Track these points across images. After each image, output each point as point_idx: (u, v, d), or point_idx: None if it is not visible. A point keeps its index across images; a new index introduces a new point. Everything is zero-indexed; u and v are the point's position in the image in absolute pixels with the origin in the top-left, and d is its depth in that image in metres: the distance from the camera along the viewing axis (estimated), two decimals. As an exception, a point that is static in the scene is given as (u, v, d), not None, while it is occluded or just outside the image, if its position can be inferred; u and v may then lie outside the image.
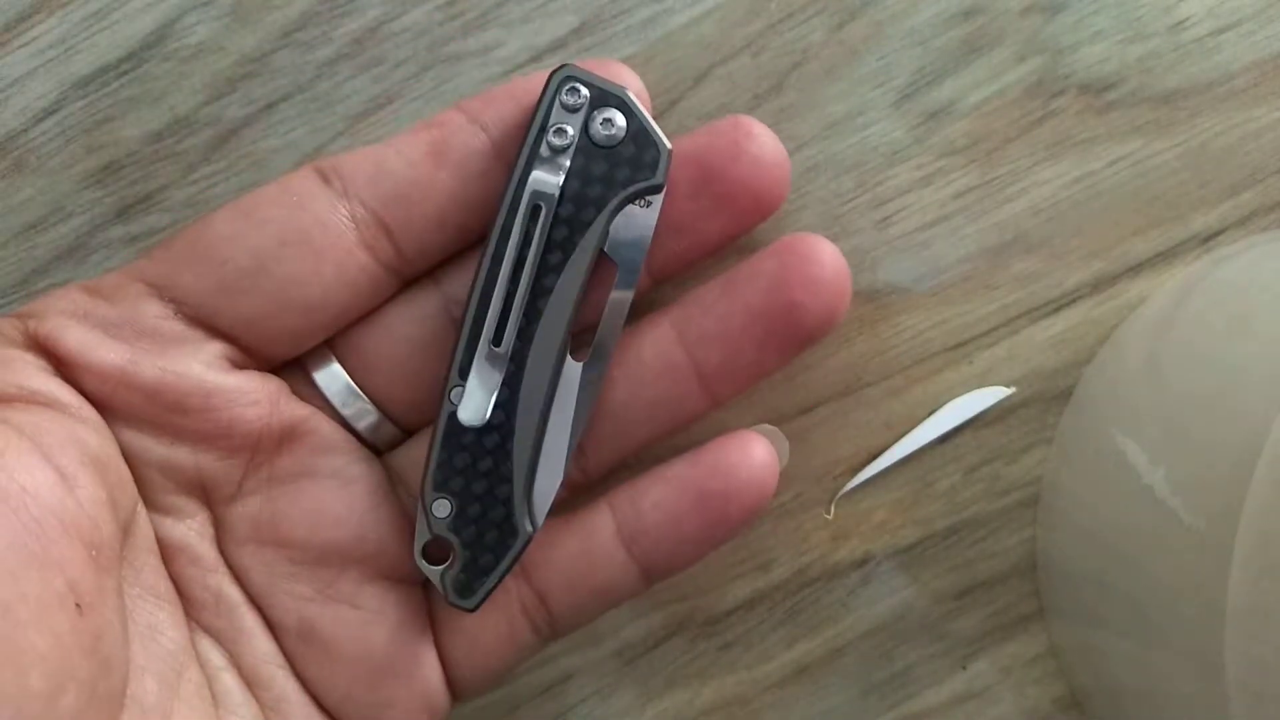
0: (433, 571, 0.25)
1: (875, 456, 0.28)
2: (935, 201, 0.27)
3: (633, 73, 0.25)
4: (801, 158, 0.27)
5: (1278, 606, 0.19)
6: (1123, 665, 0.25)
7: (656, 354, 0.25)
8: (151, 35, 0.27)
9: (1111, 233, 0.27)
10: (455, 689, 0.26)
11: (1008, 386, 0.28)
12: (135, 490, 0.24)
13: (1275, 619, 0.19)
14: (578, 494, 0.26)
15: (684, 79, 0.27)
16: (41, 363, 0.23)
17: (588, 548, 0.26)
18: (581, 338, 0.25)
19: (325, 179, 0.24)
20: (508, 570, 0.25)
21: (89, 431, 0.23)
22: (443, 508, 0.25)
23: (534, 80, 0.24)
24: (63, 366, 0.23)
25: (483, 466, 0.25)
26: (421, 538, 0.25)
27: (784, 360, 0.25)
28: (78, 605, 0.20)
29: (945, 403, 0.28)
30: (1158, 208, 0.27)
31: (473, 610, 0.25)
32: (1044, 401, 0.28)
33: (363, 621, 0.25)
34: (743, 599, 0.28)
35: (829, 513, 0.28)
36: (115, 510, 0.23)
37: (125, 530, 0.23)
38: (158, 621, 0.24)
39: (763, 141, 0.24)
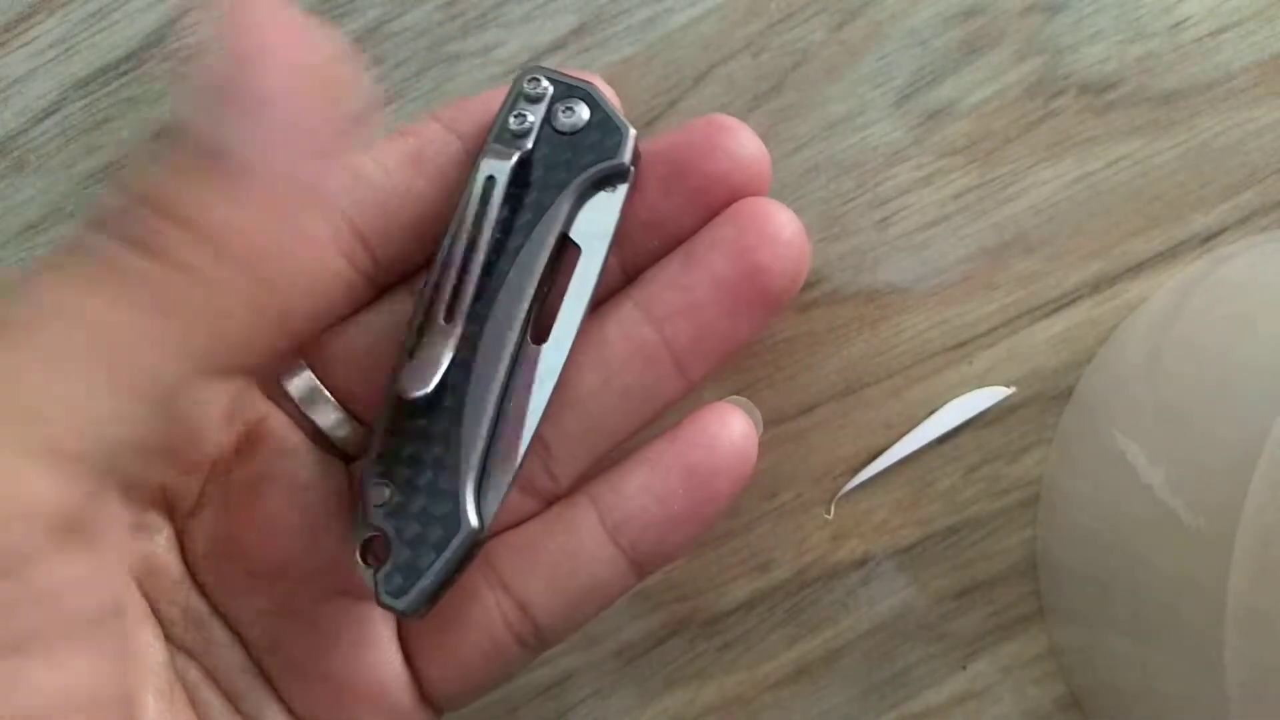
0: (366, 571, 0.23)
1: (875, 456, 0.28)
2: (935, 201, 0.27)
3: (606, 85, 0.25)
4: (801, 158, 0.27)
5: (1277, 606, 0.19)
6: (1123, 665, 0.25)
7: (623, 336, 0.24)
8: (151, 36, 0.27)
9: (1111, 233, 0.27)
10: (437, 704, 0.25)
11: (1008, 386, 0.28)
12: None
13: (1275, 618, 0.19)
14: (552, 503, 0.25)
15: (684, 79, 0.27)
16: None
17: (569, 545, 0.24)
18: (544, 324, 0.24)
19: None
20: (452, 571, 0.23)
21: None
22: (380, 495, 0.23)
23: (496, 93, 0.24)
24: None
25: (429, 455, 0.23)
26: (360, 533, 0.23)
27: (754, 329, 0.24)
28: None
29: (945, 403, 0.28)
30: (1157, 208, 0.27)
31: (409, 615, 0.22)
32: (1044, 401, 0.28)
33: (322, 640, 0.24)
34: (742, 599, 0.28)
35: (829, 513, 0.28)
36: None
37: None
38: (146, 639, 0.23)
39: (738, 136, 0.24)
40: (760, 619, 0.28)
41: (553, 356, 0.23)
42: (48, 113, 0.27)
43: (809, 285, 0.27)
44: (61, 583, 0.18)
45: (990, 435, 0.28)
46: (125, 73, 0.27)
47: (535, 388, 0.23)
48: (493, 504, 0.23)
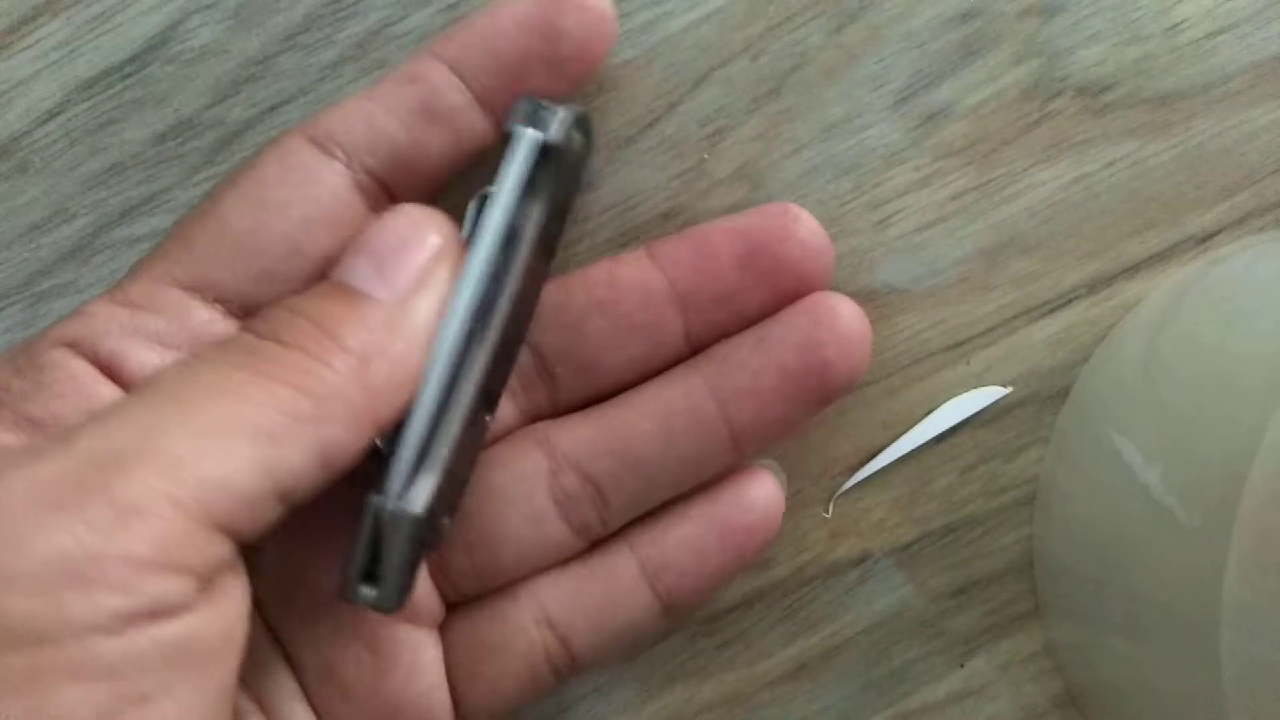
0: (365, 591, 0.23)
1: (873, 456, 0.28)
2: (933, 203, 0.27)
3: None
4: (800, 160, 0.27)
5: (1273, 604, 0.19)
6: (1119, 663, 0.25)
7: (690, 409, 0.25)
8: (155, 38, 0.27)
9: (1108, 234, 0.27)
10: None
11: (1004, 386, 0.28)
12: None
13: (1271, 616, 0.19)
14: (597, 545, 0.26)
15: (683, 82, 0.27)
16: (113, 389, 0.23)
17: (611, 589, 0.26)
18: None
19: (323, 147, 0.24)
20: (405, 560, 0.23)
21: None
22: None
23: (498, 17, 0.24)
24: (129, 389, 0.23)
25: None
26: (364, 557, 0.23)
27: (808, 417, 0.26)
28: None
29: (943, 402, 0.28)
30: (1154, 209, 0.27)
31: (388, 609, 0.23)
32: (1041, 401, 0.28)
33: (378, 666, 0.25)
34: (741, 597, 0.29)
35: (827, 511, 0.28)
36: None
37: None
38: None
39: (809, 226, 0.25)
40: (759, 616, 0.28)
41: (479, 336, 0.24)
42: (51, 115, 0.27)
43: (808, 286, 0.27)
44: (196, 634, 0.20)
45: (987, 434, 0.28)
46: (129, 75, 0.27)
47: (462, 371, 0.24)
48: (419, 490, 0.23)
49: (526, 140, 0.24)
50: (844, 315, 0.25)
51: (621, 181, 0.27)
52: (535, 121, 0.24)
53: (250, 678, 0.24)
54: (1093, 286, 0.28)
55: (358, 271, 0.23)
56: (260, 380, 0.21)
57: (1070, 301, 0.28)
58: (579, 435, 0.26)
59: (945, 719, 0.29)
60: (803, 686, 0.29)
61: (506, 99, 0.24)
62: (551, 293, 0.26)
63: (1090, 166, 0.27)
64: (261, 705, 0.25)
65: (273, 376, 0.21)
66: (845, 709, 0.29)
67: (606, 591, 0.26)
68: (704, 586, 0.26)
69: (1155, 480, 0.23)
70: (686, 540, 0.26)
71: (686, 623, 0.29)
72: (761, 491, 0.26)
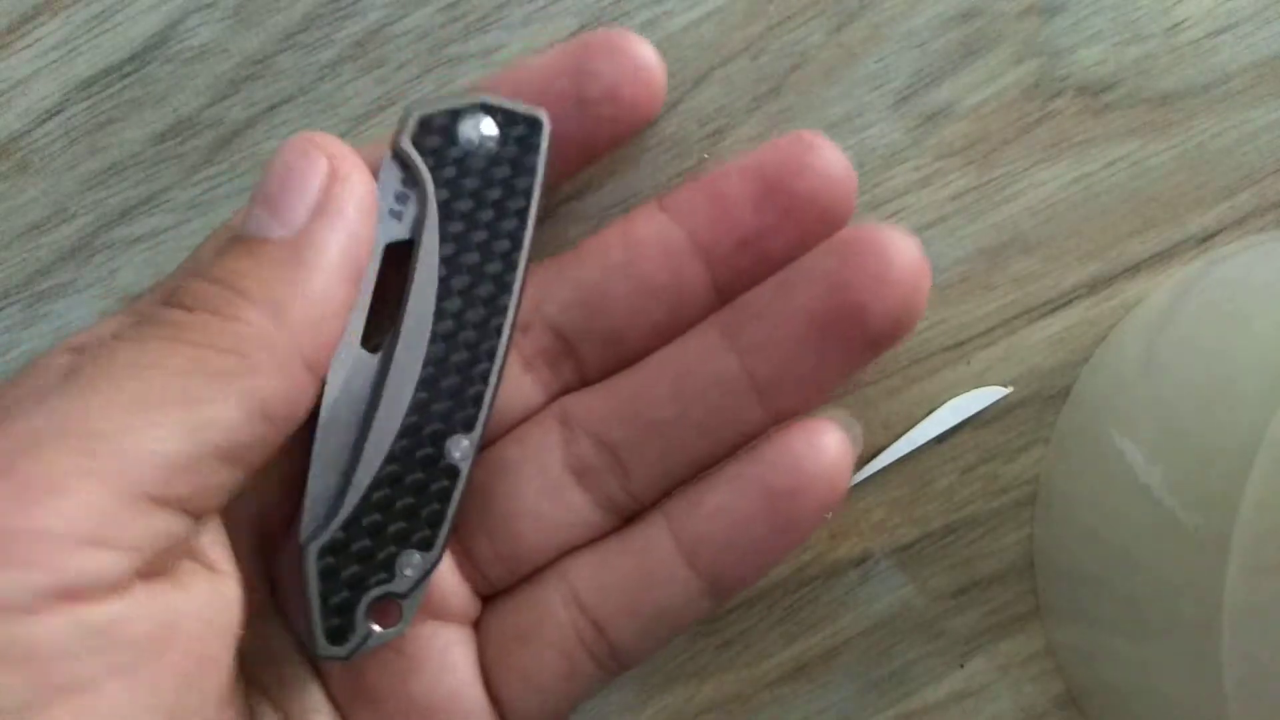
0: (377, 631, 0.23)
1: (874, 456, 0.28)
2: (933, 203, 0.27)
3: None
4: (801, 159, 0.27)
5: (1274, 604, 0.19)
6: (1120, 663, 0.25)
7: (705, 364, 0.23)
8: (154, 37, 0.27)
9: (1108, 234, 0.27)
10: None
11: (1005, 386, 0.28)
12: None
13: (1272, 617, 0.19)
14: (630, 521, 0.25)
15: (683, 81, 0.27)
16: None
17: (645, 565, 0.24)
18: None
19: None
20: (317, 599, 0.23)
21: None
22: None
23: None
24: None
25: None
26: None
27: (849, 370, 0.23)
28: None
29: (943, 402, 0.28)
30: (1154, 209, 0.27)
31: (338, 658, 0.23)
32: (1041, 401, 0.28)
33: (407, 665, 0.24)
34: (741, 597, 0.28)
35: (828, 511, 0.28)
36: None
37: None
38: (216, 676, 0.22)
39: (826, 154, 0.23)
40: (759, 617, 0.28)
41: (396, 359, 0.23)
42: (51, 114, 0.27)
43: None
44: (132, 619, 0.19)
45: (988, 435, 0.28)
46: (128, 74, 0.27)
47: (373, 400, 0.23)
48: (311, 515, 0.23)
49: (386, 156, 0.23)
50: (881, 249, 0.22)
51: (621, 181, 0.27)
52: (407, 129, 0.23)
53: (273, 687, 0.24)
54: (1093, 286, 0.28)
55: (253, 219, 0.21)
56: (175, 346, 0.20)
57: (1071, 301, 0.28)
58: (593, 402, 0.25)
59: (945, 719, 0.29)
60: (803, 687, 0.29)
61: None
62: (565, 264, 0.25)
63: (1091, 166, 0.27)
64: (287, 716, 0.24)
65: (187, 341, 0.20)
66: (846, 710, 0.28)
67: (640, 569, 0.24)
68: (749, 560, 0.23)
69: (1156, 480, 0.23)
70: (723, 508, 0.23)
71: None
72: (812, 447, 0.23)
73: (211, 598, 0.21)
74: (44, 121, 0.27)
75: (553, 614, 0.24)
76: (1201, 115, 0.27)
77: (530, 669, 0.24)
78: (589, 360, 0.25)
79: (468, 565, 0.25)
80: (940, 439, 0.28)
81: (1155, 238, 0.27)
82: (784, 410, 0.23)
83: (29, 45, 0.27)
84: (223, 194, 0.27)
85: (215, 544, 0.21)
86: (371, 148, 0.23)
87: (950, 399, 0.28)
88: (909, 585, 0.28)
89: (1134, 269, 0.28)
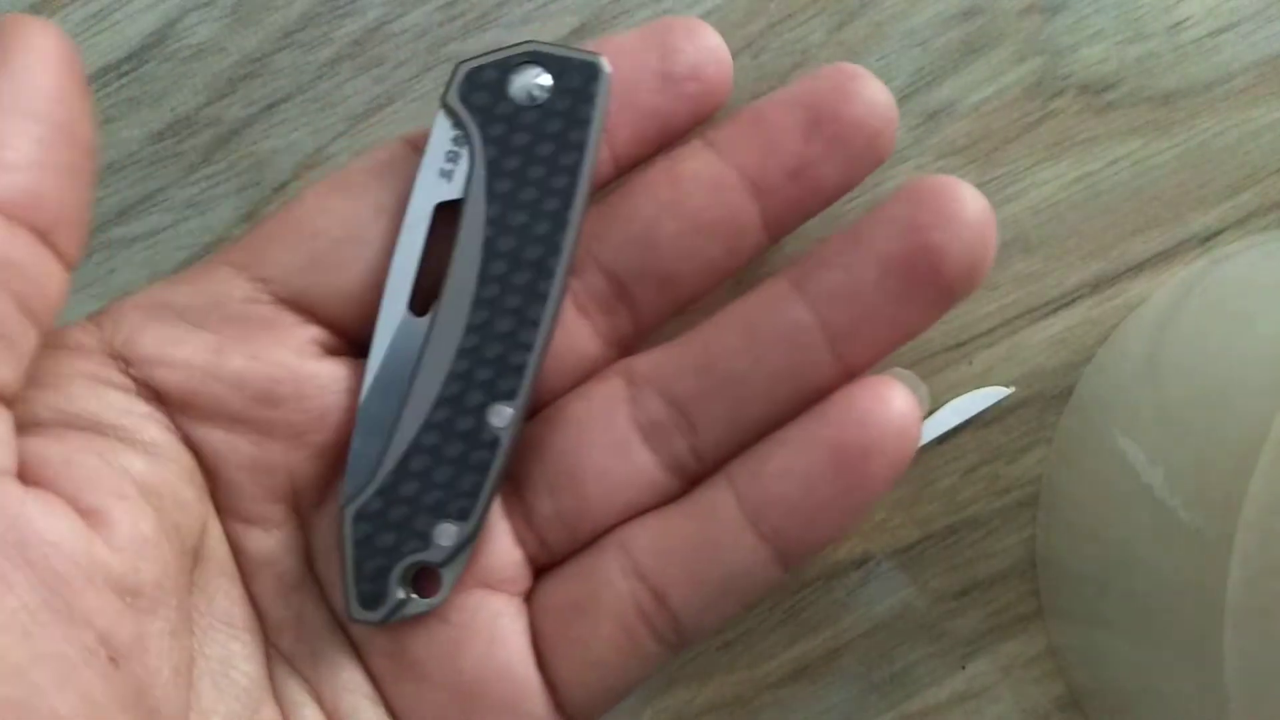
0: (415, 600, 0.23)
1: (875, 456, 0.28)
2: (935, 202, 0.27)
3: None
4: (801, 158, 0.27)
5: (1276, 606, 0.19)
6: (1122, 664, 0.25)
7: (776, 315, 0.23)
8: (152, 36, 0.27)
9: (1110, 233, 0.27)
10: (568, 713, 0.24)
11: (1007, 386, 0.28)
12: (205, 509, 0.22)
13: (1274, 618, 0.19)
14: (700, 479, 0.24)
15: (684, 79, 0.27)
16: (109, 374, 0.22)
17: (708, 531, 0.23)
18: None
19: (417, 149, 0.23)
20: (352, 562, 0.23)
21: (137, 456, 0.21)
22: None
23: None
24: (143, 367, 0.22)
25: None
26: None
27: (925, 318, 0.23)
28: (111, 659, 0.19)
29: (945, 403, 0.28)
30: (1157, 208, 0.27)
31: (372, 622, 0.23)
32: (1043, 401, 0.28)
33: (454, 636, 0.23)
34: (742, 598, 0.28)
35: (829, 512, 0.28)
36: (174, 540, 0.21)
37: (195, 556, 0.22)
38: (230, 654, 0.22)
39: (872, 84, 0.23)
40: (760, 618, 0.28)
41: (443, 328, 0.23)
42: (48, 113, 0.27)
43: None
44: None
45: (990, 435, 0.28)
46: (126, 73, 0.27)
47: (420, 366, 0.23)
48: (351, 479, 0.23)
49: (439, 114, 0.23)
50: (952, 193, 0.22)
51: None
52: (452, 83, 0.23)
53: (305, 662, 0.23)
54: (1095, 286, 0.28)
55: None
56: None
57: (1073, 301, 0.28)
58: (660, 358, 0.24)
59: (947, 721, 0.29)
60: (804, 688, 0.28)
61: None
62: (612, 205, 0.24)
63: (1093, 165, 0.27)
64: (320, 698, 0.23)
65: None
66: (847, 711, 0.28)
67: (701, 534, 0.23)
68: (818, 524, 0.22)
69: (1158, 481, 0.23)
70: (789, 467, 0.22)
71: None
72: (881, 403, 0.22)
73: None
74: (41, 120, 0.27)
75: (611, 583, 0.23)
76: (1204, 114, 0.27)
77: (588, 642, 0.23)
78: (643, 303, 0.24)
79: (524, 528, 0.24)
80: (942, 439, 0.28)
81: (1158, 237, 0.27)
82: (855, 363, 0.23)
83: (26, 44, 0.27)
84: (220, 193, 0.27)
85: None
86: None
87: (952, 399, 0.28)
88: (910, 586, 0.28)
89: (1136, 268, 0.27)
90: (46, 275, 0.20)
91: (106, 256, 0.27)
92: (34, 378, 0.21)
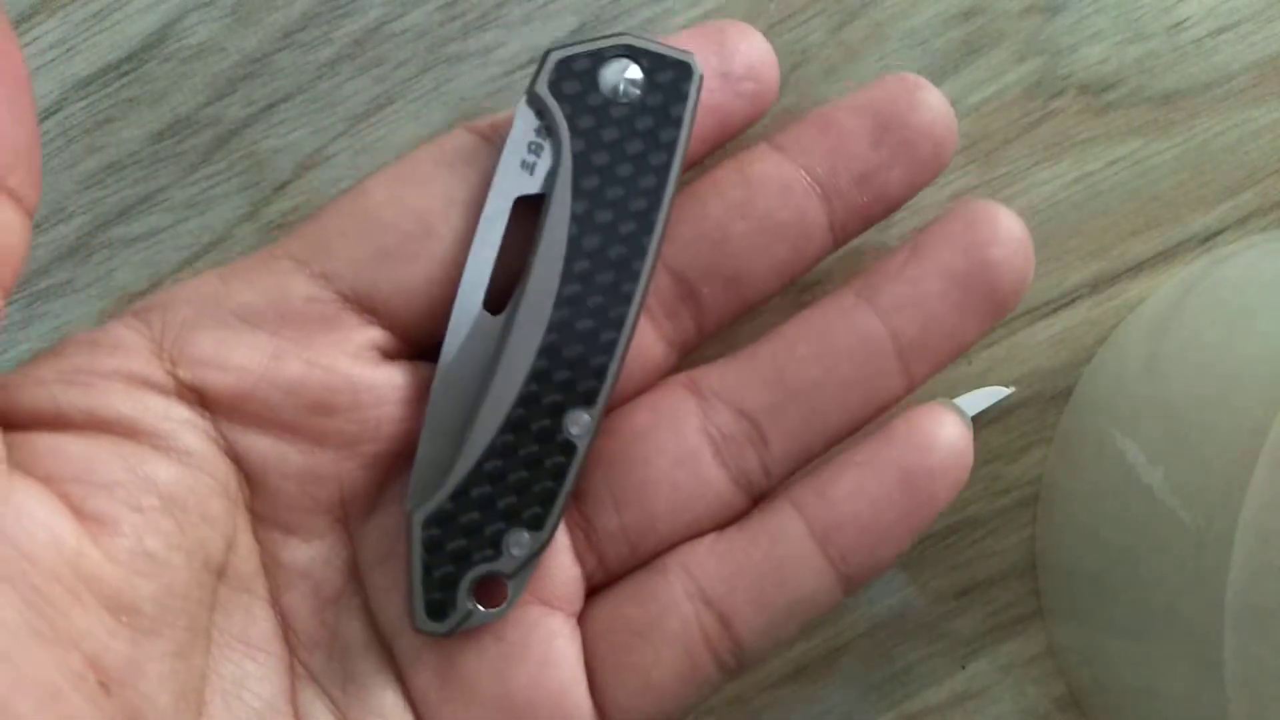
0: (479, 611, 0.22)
1: (875, 456, 0.28)
2: (935, 202, 0.27)
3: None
4: (801, 158, 0.27)
5: (1277, 606, 0.19)
6: (1122, 664, 0.25)
7: (847, 325, 0.23)
8: (152, 36, 0.27)
9: (1110, 233, 0.27)
10: None
11: (1007, 386, 0.28)
12: (234, 523, 0.22)
13: (1274, 618, 0.19)
14: (761, 497, 0.24)
15: (684, 79, 0.27)
16: (151, 374, 0.21)
17: (775, 554, 0.23)
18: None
19: (485, 137, 0.23)
20: (420, 570, 0.22)
21: (167, 464, 0.20)
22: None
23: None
24: (192, 368, 0.21)
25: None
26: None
27: (980, 330, 0.23)
28: (102, 684, 0.18)
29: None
30: (1156, 208, 0.27)
31: (437, 633, 0.22)
32: (1043, 401, 0.28)
33: (506, 654, 0.22)
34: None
35: (829, 512, 0.28)
36: (194, 555, 0.20)
37: (218, 573, 0.21)
38: (245, 674, 0.21)
39: (934, 94, 0.23)
40: (760, 618, 0.28)
41: (522, 325, 0.22)
42: (49, 113, 0.27)
43: (810, 285, 0.27)
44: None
45: (989, 435, 0.28)
46: (126, 73, 0.27)
47: (496, 366, 0.22)
48: (416, 486, 0.22)
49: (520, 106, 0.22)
50: (1001, 216, 0.23)
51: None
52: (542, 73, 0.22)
53: (334, 682, 0.22)
54: (1095, 286, 0.28)
55: None
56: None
57: (1073, 301, 0.28)
58: (727, 371, 0.24)
59: (947, 721, 0.29)
60: (803, 689, 0.28)
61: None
62: (679, 203, 0.24)
63: (1093, 165, 0.27)
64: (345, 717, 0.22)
65: None
66: (847, 711, 0.28)
67: (769, 558, 0.23)
68: (883, 546, 0.23)
69: (1158, 481, 0.23)
70: (859, 489, 0.22)
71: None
72: (943, 428, 0.23)
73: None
74: (42, 121, 0.27)
75: (676, 606, 0.23)
76: (1204, 114, 0.27)
77: (648, 668, 0.23)
78: (709, 305, 0.24)
79: (584, 543, 0.24)
80: (941, 439, 0.28)
81: (1157, 237, 0.27)
82: (917, 375, 0.23)
83: (27, 45, 0.27)
84: (221, 193, 0.27)
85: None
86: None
87: (952, 399, 0.28)
88: (910, 586, 0.28)
89: (1136, 268, 0.27)
90: (5, 225, 0.19)
91: (106, 256, 0.27)
92: (68, 376, 0.21)
